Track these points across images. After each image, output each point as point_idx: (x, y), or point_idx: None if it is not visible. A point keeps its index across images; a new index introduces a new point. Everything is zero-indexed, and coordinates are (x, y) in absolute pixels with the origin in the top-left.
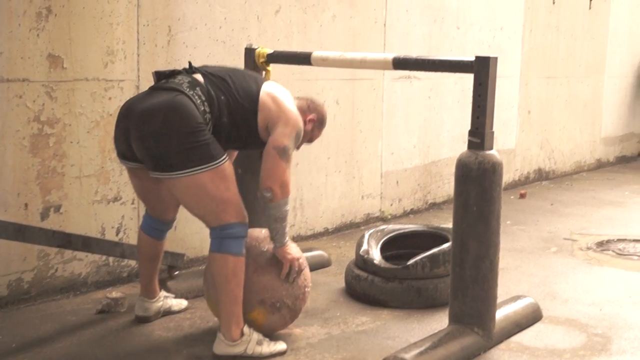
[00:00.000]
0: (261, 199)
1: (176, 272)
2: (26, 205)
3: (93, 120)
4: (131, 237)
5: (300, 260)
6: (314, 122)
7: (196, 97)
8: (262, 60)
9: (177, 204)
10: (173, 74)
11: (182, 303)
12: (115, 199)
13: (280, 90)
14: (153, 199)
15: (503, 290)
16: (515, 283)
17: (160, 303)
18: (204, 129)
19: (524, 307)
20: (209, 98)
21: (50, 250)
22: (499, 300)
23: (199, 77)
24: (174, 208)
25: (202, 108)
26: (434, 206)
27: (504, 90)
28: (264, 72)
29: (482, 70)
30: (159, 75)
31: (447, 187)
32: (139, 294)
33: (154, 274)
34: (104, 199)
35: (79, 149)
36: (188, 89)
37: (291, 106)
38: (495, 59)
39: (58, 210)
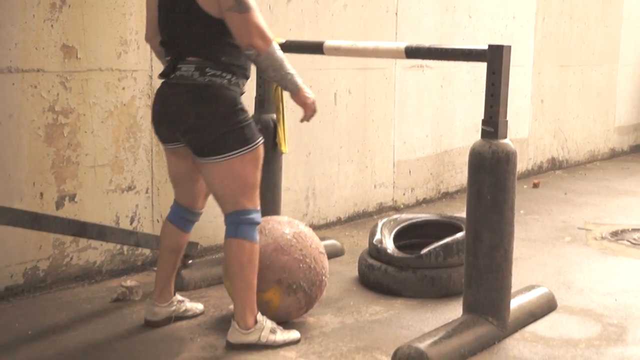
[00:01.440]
0: (250, 59)
1: (190, 261)
2: (41, 194)
3: (107, 110)
4: (145, 225)
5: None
6: None
7: (212, 77)
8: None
9: (208, 191)
10: (175, 67)
11: (198, 307)
12: (129, 188)
13: None
14: (187, 182)
15: (517, 279)
16: (530, 273)
17: (173, 308)
18: (236, 109)
19: (539, 296)
20: (218, 64)
21: (66, 238)
22: (513, 289)
23: (192, 58)
24: (205, 196)
25: (225, 79)
26: (447, 195)
27: (517, 79)
28: None
29: (495, 59)
30: (166, 74)
31: (459, 177)
32: (150, 296)
33: (171, 271)
34: (118, 188)
35: (93, 138)
36: (200, 76)
37: None
38: (509, 47)
39: (73, 199)
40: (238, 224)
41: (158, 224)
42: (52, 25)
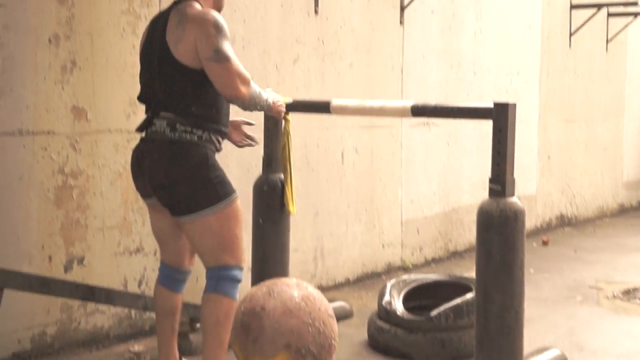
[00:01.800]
0: (238, 106)
1: (197, 325)
2: (50, 257)
3: (116, 172)
4: (153, 288)
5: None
6: None
7: (183, 133)
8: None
9: (193, 249)
10: (150, 122)
11: None
12: (138, 250)
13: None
14: (169, 238)
15: (529, 341)
16: (541, 334)
17: None
18: (207, 165)
19: (551, 359)
20: (188, 120)
21: (74, 302)
22: (525, 352)
23: (165, 113)
24: (191, 253)
25: (195, 136)
26: (456, 254)
27: (523, 135)
28: (283, 122)
29: (501, 117)
30: (141, 129)
31: (468, 235)
32: None
33: (171, 335)
34: (126, 250)
35: (102, 200)
36: (170, 132)
37: (187, 9)
38: (514, 105)
39: (81, 262)
40: (218, 279)
41: None
42: (62, 88)
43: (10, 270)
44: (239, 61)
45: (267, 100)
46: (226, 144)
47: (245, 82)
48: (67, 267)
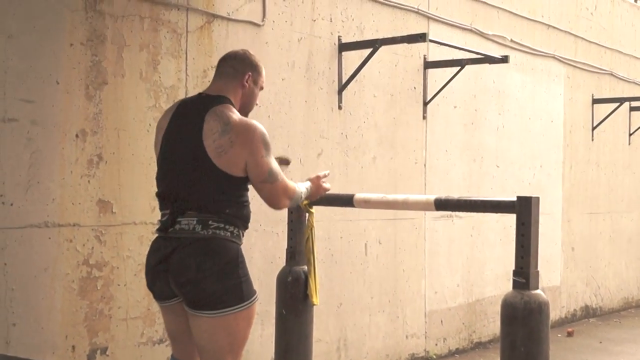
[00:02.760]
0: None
1: None
2: (73, 347)
3: (140, 263)
4: None
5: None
6: (251, 78)
7: (216, 230)
8: (305, 202)
9: (196, 343)
10: (174, 221)
11: None
12: (161, 341)
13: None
14: (185, 337)
15: None
16: None
17: None
18: (237, 262)
19: None
20: (221, 218)
21: None
22: None
23: (192, 212)
24: None
25: (228, 232)
26: (480, 345)
27: (547, 227)
28: (307, 214)
29: (524, 211)
30: (164, 228)
31: (492, 326)
32: None
33: None
34: (150, 340)
35: (126, 291)
36: (202, 229)
37: (230, 116)
38: (537, 198)
39: (104, 353)
40: None
41: None
42: (89, 181)
43: None
44: None
45: (306, 192)
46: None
47: (289, 194)
48: (91, 357)
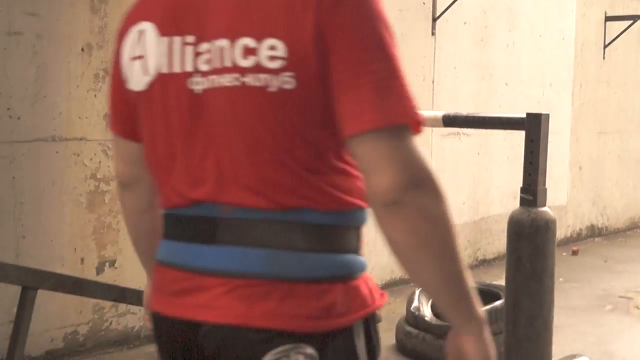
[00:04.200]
0: None
1: None
2: (82, 259)
3: None
4: None
5: None
6: None
7: None
8: None
9: None
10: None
11: None
12: None
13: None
14: None
15: (557, 349)
16: (570, 342)
17: None
18: None
19: None
20: None
21: (105, 303)
22: (553, 359)
23: None
24: None
25: None
26: (485, 262)
27: (555, 146)
28: None
29: (533, 128)
30: None
31: (497, 244)
32: None
33: None
34: None
35: None
36: None
37: None
38: (547, 115)
39: (113, 265)
40: None
41: None
42: (95, 95)
43: (44, 271)
44: None
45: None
46: None
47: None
48: (99, 269)
